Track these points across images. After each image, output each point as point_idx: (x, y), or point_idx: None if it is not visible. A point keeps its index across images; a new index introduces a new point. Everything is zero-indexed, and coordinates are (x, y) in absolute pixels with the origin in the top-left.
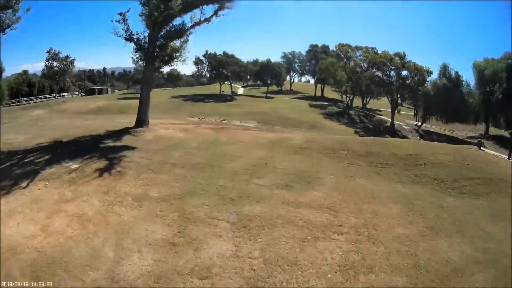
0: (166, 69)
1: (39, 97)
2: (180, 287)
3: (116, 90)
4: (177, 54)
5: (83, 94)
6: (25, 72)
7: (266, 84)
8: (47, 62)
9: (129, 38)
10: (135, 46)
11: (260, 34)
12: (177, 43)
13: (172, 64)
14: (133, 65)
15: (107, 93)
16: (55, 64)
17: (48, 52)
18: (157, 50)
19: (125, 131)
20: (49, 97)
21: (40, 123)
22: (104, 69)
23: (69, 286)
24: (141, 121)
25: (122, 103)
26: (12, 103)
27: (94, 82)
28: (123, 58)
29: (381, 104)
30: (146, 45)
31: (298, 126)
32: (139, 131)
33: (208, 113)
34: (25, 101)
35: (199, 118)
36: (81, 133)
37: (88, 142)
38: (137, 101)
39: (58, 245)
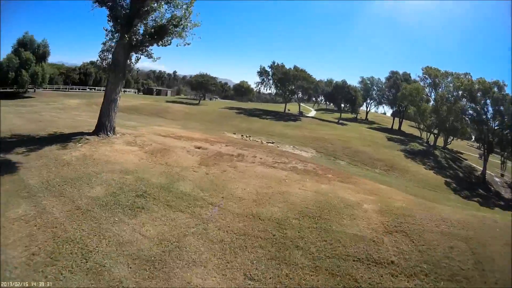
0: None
1: (93, 88)
2: None
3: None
4: (175, 28)
5: (136, 91)
6: (92, 62)
7: (339, 108)
8: (101, 53)
9: None
10: (108, 12)
11: (336, 53)
12: (178, 13)
13: (166, 42)
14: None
15: (166, 95)
16: (110, 56)
17: (104, 44)
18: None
19: (77, 136)
20: (98, 89)
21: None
22: (175, 72)
23: None
24: (101, 126)
25: (164, 105)
26: (56, 88)
27: (162, 84)
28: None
29: (461, 146)
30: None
31: (370, 164)
32: (89, 140)
33: (256, 131)
34: (70, 89)
35: (242, 136)
36: (23, 129)
37: None
38: (183, 105)
39: None
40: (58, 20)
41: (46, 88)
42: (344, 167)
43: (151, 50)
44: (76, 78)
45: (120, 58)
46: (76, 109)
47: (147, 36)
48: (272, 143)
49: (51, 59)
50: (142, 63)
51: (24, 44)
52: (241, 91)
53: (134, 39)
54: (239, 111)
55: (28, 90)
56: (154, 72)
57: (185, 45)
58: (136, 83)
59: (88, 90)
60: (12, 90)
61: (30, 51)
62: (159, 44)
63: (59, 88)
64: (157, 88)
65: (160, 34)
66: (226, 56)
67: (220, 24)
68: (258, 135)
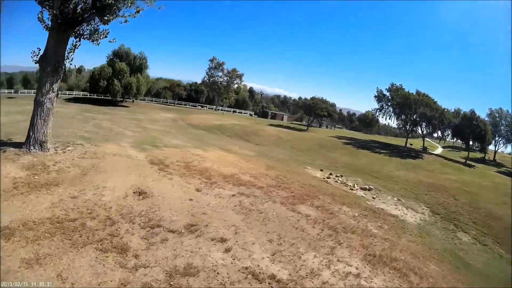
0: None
1: (204, 105)
2: None
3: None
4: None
5: (252, 114)
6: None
7: (468, 145)
8: (208, 71)
9: None
10: None
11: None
12: None
13: (112, 12)
14: None
15: (281, 119)
16: (220, 74)
17: (211, 60)
18: None
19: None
20: (209, 107)
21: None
22: (300, 98)
23: None
24: (29, 139)
25: (257, 128)
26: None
27: (287, 109)
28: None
29: None
30: None
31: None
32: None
33: (357, 169)
34: (177, 104)
35: (329, 176)
36: None
37: None
38: (283, 130)
39: None
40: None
41: (147, 100)
42: (469, 251)
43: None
44: (184, 94)
45: (49, 46)
46: (148, 122)
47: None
48: (368, 190)
49: (162, 74)
50: (273, 88)
51: (119, 55)
52: (366, 122)
53: (68, 14)
54: (347, 142)
55: (126, 99)
56: (278, 96)
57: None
58: (256, 106)
59: (199, 107)
60: (108, 98)
61: (125, 62)
62: (105, 16)
63: (166, 102)
64: (272, 112)
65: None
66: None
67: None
68: (356, 175)
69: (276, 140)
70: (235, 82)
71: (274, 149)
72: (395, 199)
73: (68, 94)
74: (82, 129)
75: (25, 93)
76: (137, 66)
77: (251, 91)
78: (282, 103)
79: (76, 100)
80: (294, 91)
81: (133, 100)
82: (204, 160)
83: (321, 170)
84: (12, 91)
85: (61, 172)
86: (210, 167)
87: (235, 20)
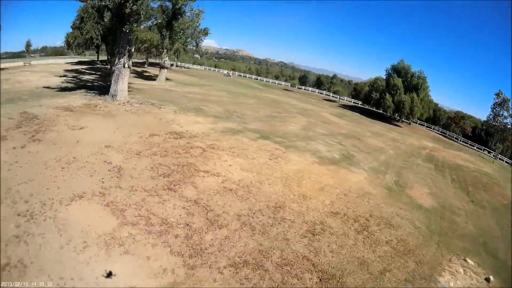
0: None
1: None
2: None
3: None
4: None
5: None
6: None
7: None
8: (494, 108)
9: None
10: None
11: None
12: None
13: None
14: None
15: None
16: (505, 114)
17: (497, 94)
18: None
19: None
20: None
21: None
22: None
23: None
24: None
25: None
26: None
27: None
28: None
29: None
30: None
31: None
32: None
33: None
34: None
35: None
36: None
37: None
38: None
39: None
40: None
41: (426, 125)
42: None
43: None
44: (469, 131)
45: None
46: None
47: None
48: None
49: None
50: None
51: (397, 70)
52: None
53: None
54: None
55: (403, 120)
56: None
57: None
58: None
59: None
60: (381, 112)
61: (402, 79)
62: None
63: (445, 134)
64: None
65: None
66: None
67: None
68: None
69: None
70: None
71: None
72: None
73: (347, 101)
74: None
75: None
76: (413, 85)
77: None
78: None
79: (351, 108)
80: None
81: (409, 122)
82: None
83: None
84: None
85: (111, 111)
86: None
87: None
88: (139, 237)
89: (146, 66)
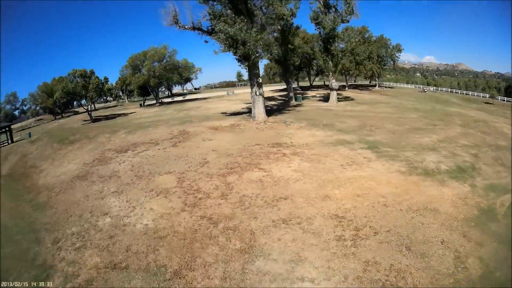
0: None
1: None
2: None
3: None
4: None
5: None
6: None
7: None
8: None
9: None
10: None
11: None
12: None
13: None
14: None
15: None
16: None
17: None
18: None
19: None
20: None
21: None
22: None
23: None
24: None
25: None
26: None
27: None
28: None
29: None
30: None
31: None
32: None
33: None
34: None
35: None
36: None
37: None
38: None
39: None
40: None
41: None
42: None
43: None
44: None
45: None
46: None
47: None
48: None
49: None
50: None
51: None
52: None
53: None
54: None
55: None
56: None
57: None
58: None
59: None
60: None
61: None
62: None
63: None
64: None
65: None
66: None
67: None
68: None
69: None
70: None
71: None
72: None
73: None
74: None
75: None
76: None
77: None
78: None
79: None
80: None
81: None
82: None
83: None
84: None
85: (245, 129)
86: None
87: None
88: (178, 193)
89: (346, 89)
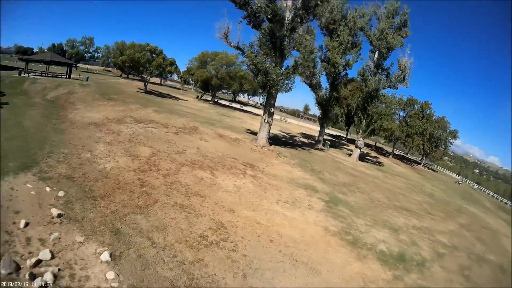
0: None
1: None
2: None
3: None
4: None
5: None
6: None
7: None
8: None
9: None
10: None
11: None
12: None
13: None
14: None
15: None
16: None
17: None
18: None
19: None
20: None
21: None
22: None
23: None
24: (256, 137)
25: None
26: None
27: None
28: None
29: None
30: None
31: None
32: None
33: None
34: None
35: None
36: None
37: None
38: None
39: None
40: None
41: None
42: None
43: None
44: None
45: (267, 97)
46: None
47: None
48: None
49: None
50: None
51: None
52: None
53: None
54: None
55: None
56: None
57: None
58: None
59: None
60: None
61: None
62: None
63: None
64: None
65: None
66: None
67: None
68: None
69: None
70: None
71: None
72: None
73: None
74: None
75: None
76: None
77: None
78: None
79: None
80: None
81: None
82: None
83: None
84: None
85: (241, 145)
86: None
87: None
88: (142, 161)
89: (390, 156)
